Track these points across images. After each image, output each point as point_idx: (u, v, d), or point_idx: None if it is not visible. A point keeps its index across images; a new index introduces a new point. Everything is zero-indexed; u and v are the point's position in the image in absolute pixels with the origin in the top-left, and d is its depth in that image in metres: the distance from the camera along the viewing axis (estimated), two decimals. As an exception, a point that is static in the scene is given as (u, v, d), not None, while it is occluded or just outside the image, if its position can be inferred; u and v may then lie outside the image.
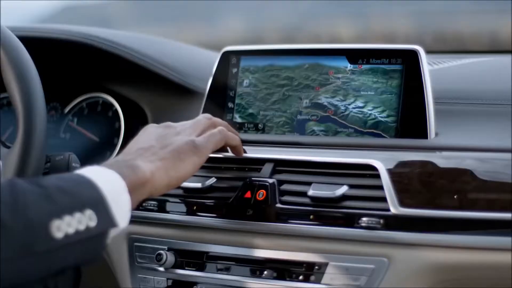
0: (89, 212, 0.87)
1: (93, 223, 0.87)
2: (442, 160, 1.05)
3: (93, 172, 0.92)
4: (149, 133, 1.06)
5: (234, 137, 1.13)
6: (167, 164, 1.00)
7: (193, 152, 1.03)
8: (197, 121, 1.10)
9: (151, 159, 0.99)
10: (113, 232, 0.91)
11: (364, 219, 1.05)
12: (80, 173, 0.92)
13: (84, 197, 0.88)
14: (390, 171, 1.06)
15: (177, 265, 1.16)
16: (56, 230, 0.84)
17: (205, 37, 2.42)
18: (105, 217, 0.89)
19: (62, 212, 0.85)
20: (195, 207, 1.17)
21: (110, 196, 0.90)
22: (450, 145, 1.07)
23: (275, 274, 1.10)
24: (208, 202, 1.16)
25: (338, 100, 1.17)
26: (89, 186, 0.90)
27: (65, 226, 0.85)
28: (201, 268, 1.15)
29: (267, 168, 1.14)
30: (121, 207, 0.91)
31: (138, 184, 0.95)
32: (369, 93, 1.14)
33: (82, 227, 0.86)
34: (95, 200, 0.89)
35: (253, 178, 1.13)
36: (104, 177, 0.92)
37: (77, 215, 0.86)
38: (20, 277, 0.83)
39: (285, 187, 1.12)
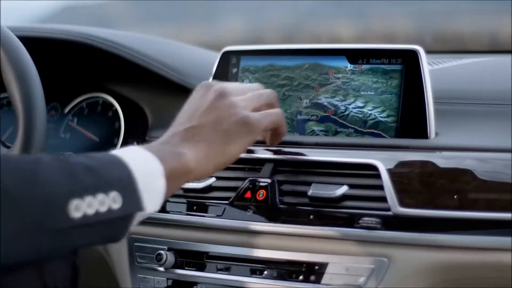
0: (113, 194, 0.84)
1: (116, 205, 0.84)
2: (442, 160, 1.05)
3: (128, 153, 0.89)
4: (203, 102, 0.98)
5: (285, 124, 1.06)
6: (215, 150, 0.95)
7: (246, 132, 0.97)
8: (260, 95, 1.02)
9: (198, 145, 0.94)
10: (140, 216, 0.87)
11: (364, 219, 1.05)
12: (114, 153, 0.88)
13: (110, 178, 0.85)
14: (390, 171, 1.06)
15: (177, 265, 1.16)
16: (74, 209, 0.81)
17: (205, 37, 2.42)
18: (131, 200, 0.86)
19: (83, 192, 0.82)
20: (195, 207, 1.17)
21: (142, 179, 0.86)
22: (450, 145, 1.07)
23: (275, 274, 1.10)
24: (208, 202, 1.16)
25: (338, 100, 1.17)
26: (119, 166, 0.86)
27: (85, 206, 0.82)
28: (201, 268, 1.15)
29: (267, 168, 1.14)
30: (153, 191, 0.88)
31: (179, 172, 0.91)
32: (369, 93, 1.14)
33: (103, 208, 0.83)
34: (122, 182, 0.85)
35: (253, 178, 1.13)
36: (138, 159, 0.88)
37: (100, 196, 0.83)
38: (31, 254, 0.82)
39: (285, 187, 1.12)
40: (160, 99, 1.41)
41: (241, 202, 1.13)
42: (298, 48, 1.22)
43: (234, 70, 1.25)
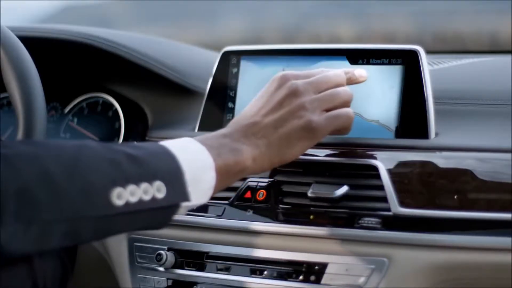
0: (158, 183, 0.83)
1: (161, 195, 0.84)
2: (442, 160, 1.05)
3: (178, 144, 0.88)
4: (274, 98, 0.96)
5: (350, 127, 1.02)
6: (273, 150, 0.94)
7: (307, 137, 0.96)
8: (335, 94, 0.99)
9: (258, 143, 0.93)
10: (186, 207, 0.87)
11: (364, 219, 1.05)
12: (162, 143, 0.88)
13: (155, 168, 0.84)
14: (390, 171, 1.06)
15: (177, 265, 1.16)
16: (116, 197, 0.81)
17: (205, 37, 2.42)
18: (177, 190, 0.85)
19: (127, 181, 0.82)
20: (195, 207, 1.17)
21: (190, 170, 0.86)
22: (450, 145, 1.07)
23: (275, 274, 1.10)
24: (208, 202, 1.16)
25: (338, 100, 1.16)
26: (166, 157, 0.86)
27: (128, 194, 0.82)
28: (201, 268, 1.15)
29: (267, 168, 1.14)
30: (202, 184, 0.87)
31: (234, 168, 0.91)
32: (369, 93, 1.14)
33: (147, 197, 0.83)
34: (167, 172, 0.85)
35: (253, 178, 1.13)
36: (189, 150, 0.88)
37: (144, 185, 0.82)
38: (72, 240, 0.81)
39: (285, 187, 1.12)
40: (160, 99, 1.41)
41: (241, 202, 1.13)
42: (298, 48, 1.22)
43: (234, 70, 1.25)
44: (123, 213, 0.82)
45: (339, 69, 1.04)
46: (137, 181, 0.82)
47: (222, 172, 0.89)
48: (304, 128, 0.95)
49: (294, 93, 0.96)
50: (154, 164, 0.85)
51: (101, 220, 0.81)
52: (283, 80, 0.98)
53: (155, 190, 0.84)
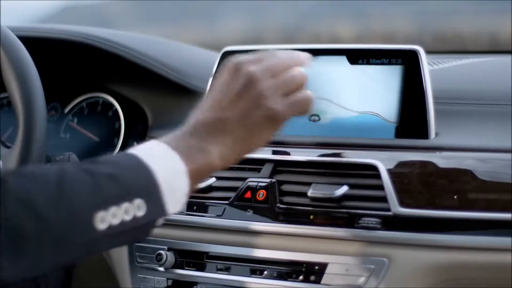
0: (138, 201, 0.83)
1: (141, 212, 0.83)
2: (442, 160, 1.05)
3: (151, 153, 0.87)
4: (231, 89, 0.94)
5: (311, 108, 0.99)
6: (239, 145, 0.92)
7: (271, 126, 0.94)
8: (292, 78, 0.96)
9: (225, 141, 0.91)
10: (163, 220, 0.87)
11: (364, 219, 1.05)
12: (136, 155, 0.87)
13: (135, 186, 0.84)
14: (390, 171, 1.06)
15: (177, 265, 1.16)
16: (99, 221, 0.81)
17: (205, 37, 2.42)
18: (156, 206, 0.85)
19: (109, 204, 0.82)
20: (195, 207, 1.17)
21: (166, 183, 0.85)
22: (450, 145, 1.07)
23: (275, 274, 1.10)
24: (208, 202, 1.16)
25: (338, 100, 1.16)
26: (142, 171, 0.85)
27: (110, 217, 0.82)
28: (201, 268, 1.15)
29: (267, 168, 1.14)
30: (176, 192, 0.87)
31: (205, 169, 0.90)
32: (369, 93, 1.14)
33: (128, 217, 0.83)
34: (145, 188, 0.84)
35: (253, 178, 1.14)
36: (161, 159, 0.87)
37: (125, 205, 0.82)
38: (56, 265, 0.82)
39: (285, 187, 1.12)
40: (160, 99, 1.41)
41: (241, 202, 1.13)
42: (298, 48, 1.22)
43: (234, 70, 1.24)
44: (105, 235, 0.82)
45: (288, 50, 1.01)
46: (118, 202, 0.82)
47: (194, 176, 0.88)
48: (266, 118, 0.93)
49: (251, 82, 0.93)
50: (132, 181, 0.84)
51: (85, 244, 0.82)
52: (237, 68, 0.95)
53: (136, 209, 0.83)
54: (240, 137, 0.92)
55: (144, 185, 0.85)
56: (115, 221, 0.82)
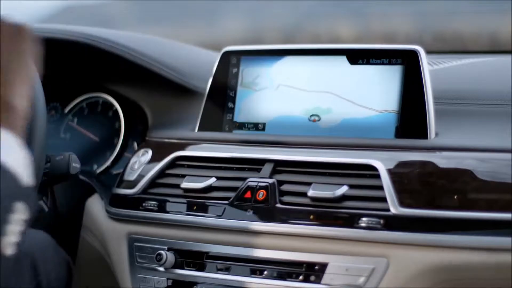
0: None
1: None
2: (442, 160, 1.05)
3: None
4: None
5: None
6: None
7: None
8: None
9: None
10: None
11: (364, 219, 1.05)
12: None
13: None
14: (390, 171, 1.06)
15: (177, 265, 1.16)
16: None
17: (205, 37, 2.42)
18: None
19: None
20: (195, 207, 1.17)
21: None
22: (450, 145, 1.07)
23: (275, 274, 1.10)
24: (208, 202, 1.16)
25: (338, 100, 1.17)
26: None
27: None
28: (201, 268, 1.15)
29: (267, 168, 1.14)
30: None
31: None
32: (369, 93, 1.14)
33: None
34: None
35: (253, 178, 1.13)
36: None
37: None
38: None
39: (285, 187, 1.12)
40: (160, 99, 1.41)
41: (241, 202, 1.13)
42: (298, 48, 1.22)
43: (234, 70, 1.25)
44: None
45: None
46: None
47: None
48: None
49: None
50: None
51: None
52: None
53: None
54: None
55: None
56: None
